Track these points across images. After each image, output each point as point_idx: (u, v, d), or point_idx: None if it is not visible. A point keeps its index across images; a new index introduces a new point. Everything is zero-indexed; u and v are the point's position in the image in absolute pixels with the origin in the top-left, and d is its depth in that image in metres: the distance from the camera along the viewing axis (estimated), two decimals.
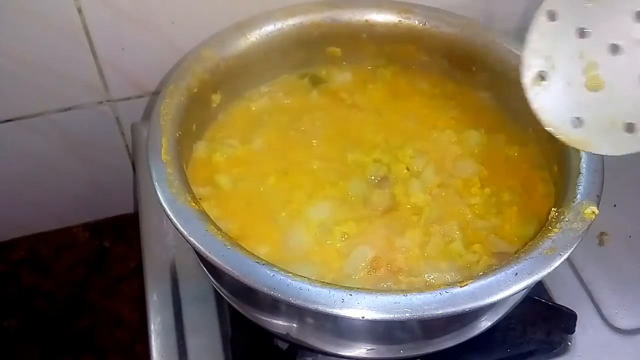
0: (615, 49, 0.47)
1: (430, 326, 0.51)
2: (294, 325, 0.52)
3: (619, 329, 0.63)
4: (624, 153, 0.47)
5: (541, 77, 0.49)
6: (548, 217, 0.51)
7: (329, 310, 0.43)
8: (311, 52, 0.69)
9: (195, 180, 0.55)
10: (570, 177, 0.53)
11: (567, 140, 0.49)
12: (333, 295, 0.43)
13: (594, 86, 0.48)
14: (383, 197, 0.58)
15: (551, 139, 0.58)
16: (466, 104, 0.66)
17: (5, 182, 0.83)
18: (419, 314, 0.43)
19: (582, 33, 0.48)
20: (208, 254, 0.46)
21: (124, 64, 0.75)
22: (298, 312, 0.49)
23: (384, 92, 0.70)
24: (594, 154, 0.52)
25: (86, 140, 0.82)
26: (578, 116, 0.49)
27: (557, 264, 0.46)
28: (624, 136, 0.47)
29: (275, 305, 0.50)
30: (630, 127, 0.47)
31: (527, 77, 0.50)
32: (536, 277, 0.45)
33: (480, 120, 0.65)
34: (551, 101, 0.49)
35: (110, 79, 0.76)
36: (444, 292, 0.44)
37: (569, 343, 0.61)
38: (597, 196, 0.50)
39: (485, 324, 0.54)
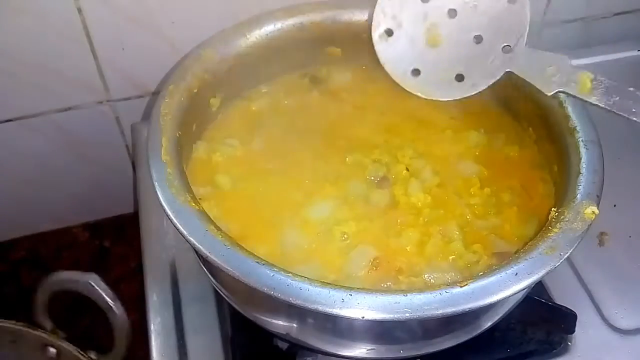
0: (453, 13, 0.56)
1: (430, 326, 0.51)
2: (294, 325, 0.52)
3: (619, 329, 0.63)
4: (454, 98, 0.56)
5: (388, 34, 0.58)
6: (548, 217, 0.51)
7: (329, 310, 0.43)
8: (311, 52, 0.69)
9: (195, 180, 0.55)
10: (570, 177, 0.53)
11: (406, 87, 0.58)
12: (333, 295, 0.43)
13: (434, 43, 0.57)
14: (383, 197, 0.58)
15: (551, 139, 0.59)
16: (466, 104, 0.66)
17: (5, 182, 0.83)
18: (419, 314, 0.43)
19: None
20: (208, 254, 0.46)
21: (124, 64, 0.75)
22: (298, 312, 0.49)
23: (384, 92, 0.69)
24: (593, 153, 0.53)
25: (86, 140, 0.82)
26: (417, 68, 0.57)
27: (557, 264, 0.46)
28: (454, 85, 0.56)
29: (275, 305, 0.50)
30: (460, 77, 0.56)
31: (376, 34, 0.59)
32: (536, 277, 0.45)
33: (480, 120, 0.65)
34: (395, 54, 0.58)
35: (110, 79, 0.76)
36: (444, 292, 0.44)
37: (569, 343, 0.61)
38: (597, 196, 0.50)
39: (485, 324, 0.54)
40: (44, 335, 0.60)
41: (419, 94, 0.58)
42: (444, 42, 0.56)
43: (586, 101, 0.48)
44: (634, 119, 0.48)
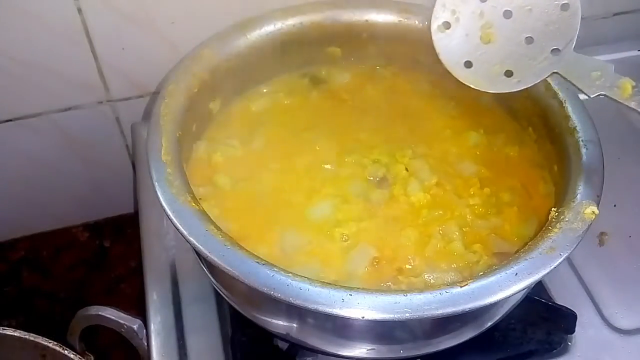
0: (508, 14, 0.59)
1: (431, 326, 0.51)
2: (294, 325, 0.52)
3: (619, 329, 0.63)
4: (501, 91, 0.59)
5: (446, 26, 0.61)
6: (548, 217, 0.51)
7: (329, 310, 0.43)
8: (311, 52, 0.69)
9: (195, 180, 0.55)
10: (570, 177, 0.53)
11: (457, 77, 0.60)
12: (333, 295, 0.43)
13: (487, 40, 0.60)
14: (382, 197, 0.58)
15: (551, 139, 0.59)
16: (466, 104, 0.66)
17: (5, 182, 0.83)
18: (419, 314, 0.43)
19: None
20: (208, 254, 0.46)
21: (124, 64, 0.75)
22: (298, 312, 0.49)
23: (383, 92, 0.69)
24: (593, 153, 0.54)
25: (86, 140, 0.82)
26: (470, 60, 0.60)
27: (557, 264, 0.46)
28: (502, 79, 0.58)
29: (275, 305, 0.50)
30: (508, 73, 0.58)
31: (434, 25, 0.62)
32: (536, 277, 0.45)
33: (480, 120, 0.65)
34: (451, 46, 0.61)
35: (110, 79, 0.76)
36: (444, 292, 0.44)
37: (569, 343, 0.61)
38: (597, 196, 0.50)
39: (485, 324, 0.54)
40: (73, 356, 0.61)
41: (469, 84, 0.60)
42: (497, 40, 0.59)
43: (626, 105, 0.50)
44: None
